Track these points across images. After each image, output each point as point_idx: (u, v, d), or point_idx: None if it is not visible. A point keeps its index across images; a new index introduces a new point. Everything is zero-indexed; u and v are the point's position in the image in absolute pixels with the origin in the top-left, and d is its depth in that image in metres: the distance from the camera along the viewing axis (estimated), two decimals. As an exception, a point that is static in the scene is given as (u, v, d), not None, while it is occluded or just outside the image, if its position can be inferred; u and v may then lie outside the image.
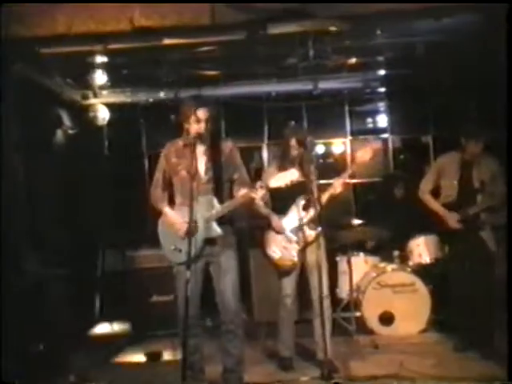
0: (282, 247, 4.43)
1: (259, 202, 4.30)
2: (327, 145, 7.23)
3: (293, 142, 4.36)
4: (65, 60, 5.17)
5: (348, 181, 4.64)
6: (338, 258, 5.65)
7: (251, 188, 3.68)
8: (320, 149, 7.12)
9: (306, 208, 4.42)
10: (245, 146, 6.65)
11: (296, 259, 4.40)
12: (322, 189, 4.33)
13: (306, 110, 6.97)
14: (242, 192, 3.73)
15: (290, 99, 6.67)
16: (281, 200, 4.42)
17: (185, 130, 3.82)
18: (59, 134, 6.10)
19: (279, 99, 6.61)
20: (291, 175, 3.64)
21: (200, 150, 3.81)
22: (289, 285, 4.44)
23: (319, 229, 4.28)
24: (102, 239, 6.42)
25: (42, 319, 4.58)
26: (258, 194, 3.68)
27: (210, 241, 3.79)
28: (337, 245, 5.56)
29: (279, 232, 4.44)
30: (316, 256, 4.10)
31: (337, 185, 4.39)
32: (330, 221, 4.65)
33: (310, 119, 6.96)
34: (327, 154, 7.26)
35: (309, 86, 6.15)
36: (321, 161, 7.09)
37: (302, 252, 4.43)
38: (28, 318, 4.38)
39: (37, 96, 5.30)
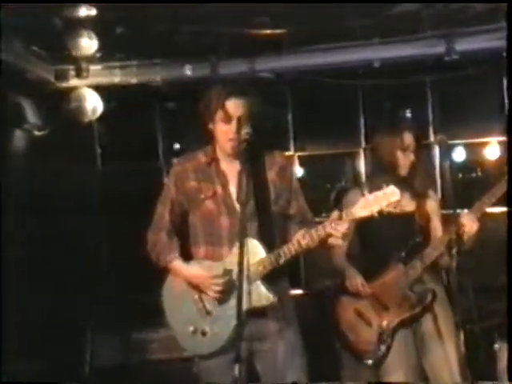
0: (359, 321, 4.46)
1: (338, 244, 4.11)
2: (471, 147, 7.11)
3: (408, 138, 4.37)
4: (29, 17, 5.16)
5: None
6: (496, 346, 5.26)
7: (314, 224, 3.69)
8: (458, 154, 7.04)
9: (413, 254, 4.37)
10: (327, 154, 7.12)
11: (384, 346, 4.38)
12: (453, 222, 4.18)
13: (431, 88, 6.86)
14: (301, 232, 3.71)
15: (404, 72, 6.50)
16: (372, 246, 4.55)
17: (209, 136, 3.89)
18: (19, 136, 6.19)
19: (386, 72, 6.41)
20: (389, 196, 3.55)
21: (233, 168, 3.82)
22: None
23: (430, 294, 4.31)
24: (90, 314, 6.38)
25: None
26: (338, 230, 3.58)
27: (255, 313, 3.71)
28: (491, 323, 5.38)
29: (357, 295, 4.46)
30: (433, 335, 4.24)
31: (467, 222, 4.19)
32: (473, 279, 4.26)
33: (438, 103, 6.87)
34: (472, 162, 7.18)
35: (437, 49, 6.06)
36: (459, 175, 7.06)
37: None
38: None
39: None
